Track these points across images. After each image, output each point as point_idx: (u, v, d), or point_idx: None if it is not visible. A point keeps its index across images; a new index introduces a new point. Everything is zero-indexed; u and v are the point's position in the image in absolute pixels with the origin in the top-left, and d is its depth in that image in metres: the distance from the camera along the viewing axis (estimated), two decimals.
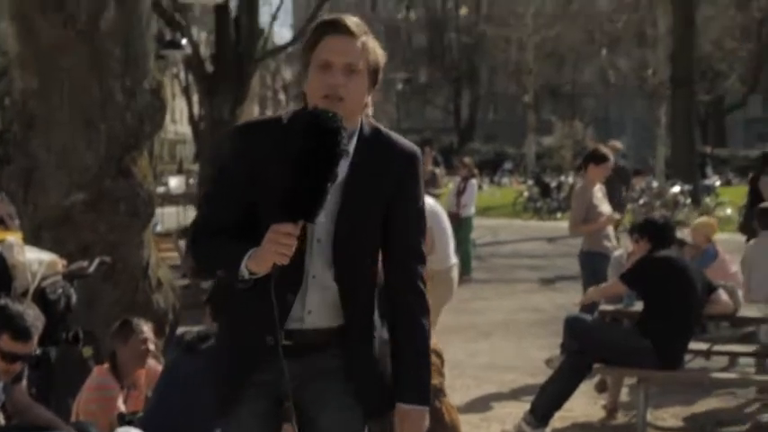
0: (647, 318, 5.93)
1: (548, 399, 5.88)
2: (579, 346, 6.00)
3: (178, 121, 53.18)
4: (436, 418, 4.02)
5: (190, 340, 4.51)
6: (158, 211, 9.83)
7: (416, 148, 2.70)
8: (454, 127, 56.09)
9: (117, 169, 6.31)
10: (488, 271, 14.19)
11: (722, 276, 6.85)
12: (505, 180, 39.67)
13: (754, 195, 11.66)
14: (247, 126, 2.68)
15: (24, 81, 6.34)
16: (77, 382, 5.01)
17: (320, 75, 2.54)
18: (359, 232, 2.60)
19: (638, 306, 6.14)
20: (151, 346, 4.86)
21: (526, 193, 25.59)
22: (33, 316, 4.20)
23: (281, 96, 52.35)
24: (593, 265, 7.55)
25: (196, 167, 25.53)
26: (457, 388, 6.71)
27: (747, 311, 6.37)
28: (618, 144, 13.05)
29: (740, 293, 6.39)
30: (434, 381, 3.75)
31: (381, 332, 2.73)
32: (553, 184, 25.44)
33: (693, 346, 6.19)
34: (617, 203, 11.92)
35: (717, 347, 6.51)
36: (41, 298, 5.15)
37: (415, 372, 2.68)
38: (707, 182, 24.63)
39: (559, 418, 6.06)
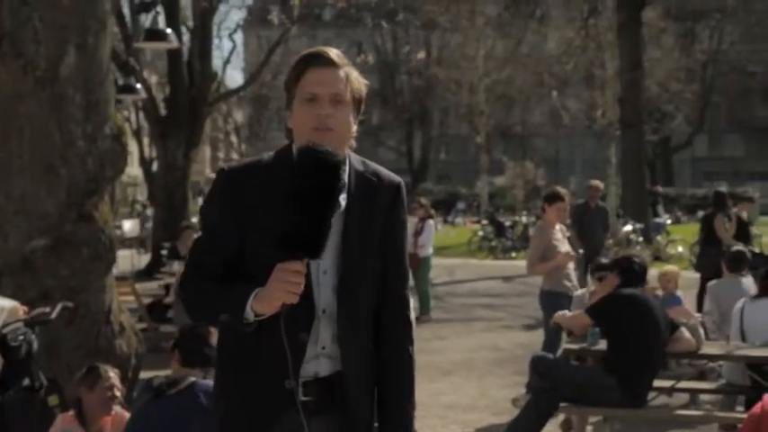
0: (613, 355, 5.99)
1: None
2: (545, 385, 6.03)
3: (129, 164, 52.74)
4: None
5: (158, 385, 4.46)
6: None
7: (399, 178, 2.73)
8: (407, 168, 56.38)
9: (78, 214, 6.28)
10: (446, 310, 14.21)
11: (684, 316, 6.96)
12: (459, 220, 39.88)
13: (708, 233, 11.89)
14: (231, 170, 2.63)
15: None
16: (38, 431, 4.93)
17: (307, 107, 2.54)
18: (362, 261, 2.60)
19: (602, 345, 6.21)
20: (117, 393, 4.79)
21: (481, 233, 25.73)
22: None
23: (233, 138, 52.25)
24: (554, 305, 7.61)
25: (150, 211, 25.33)
26: (423, 428, 6.69)
27: (709, 349, 6.47)
28: (599, 184, 12.91)
29: (702, 332, 6.49)
30: None
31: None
32: (507, 224, 25.62)
33: (656, 383, 6.25)
34: (597, 244, 12.01)
35: (680, 385, 6.59)
36: (2, 344, 5.09)
37: (401, 407, 2.69)
38: (658, 220, 24.96)
39: None
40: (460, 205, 43.52)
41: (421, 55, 43.11)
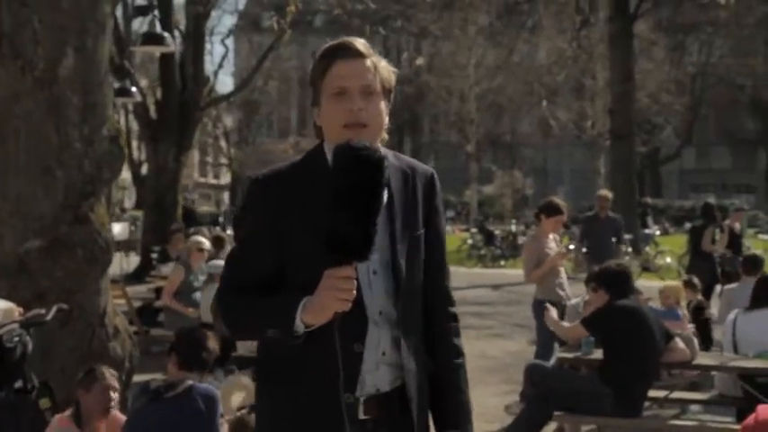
0: (608, 365, 6.01)
1: None
2: (540, 394, 6.04)
3: None
4: None
5: (156, 388, 4.47)
6: None
7: (432, 168, 2.63)
8: None
9: (74, 216, 6.26)
10: None
11: (679, 330, 6.99)
12: (448, 228, 39.94)
13: (697, 244, 11.97)
14: (264, 178, 2.48)
15: None
16: None
17: (336, 102, 2.42)
18: (410, 256, 2.47)
19: (597, 354, 6.23)
20: (114, 395, 4.79)
21: (470, 241, 25.75)
22: None
23: (222, 143, 52.16)
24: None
25: (139, 213, 25.27)
26: None
27: (702, 360, 6.50)
28: (608, 193, 12.36)
29: (696, 342, 6.53)
30: None
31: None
32: (497, 232, 25.66)
33: (650, 393, 6.28)
34: (609, 256, 11.75)
35: (673, 395, 6.62)
36: None
37: (463, 404, 2.68)
38: (647, 231, 25.04)
39: None
40: (449, 213, 43.58)
41: (419, 62, 43.08)
